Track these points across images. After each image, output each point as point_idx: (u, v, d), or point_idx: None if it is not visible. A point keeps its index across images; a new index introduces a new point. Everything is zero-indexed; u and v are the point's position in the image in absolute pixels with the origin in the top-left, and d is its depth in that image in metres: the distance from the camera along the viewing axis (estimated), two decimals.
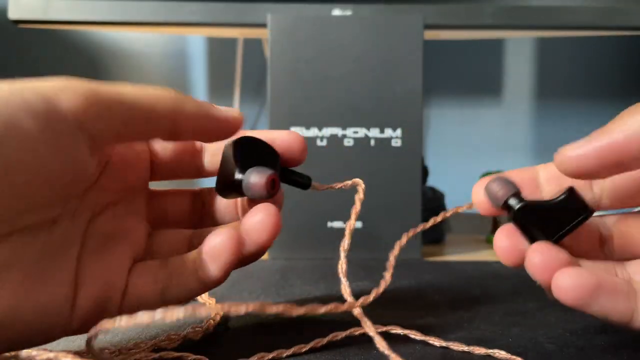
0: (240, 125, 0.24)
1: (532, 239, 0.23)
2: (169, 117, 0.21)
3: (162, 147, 0.25)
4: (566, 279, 0.21)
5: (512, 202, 0.23)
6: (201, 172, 0.27)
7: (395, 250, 0.26)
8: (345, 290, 0.25)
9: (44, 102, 0.19)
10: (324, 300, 0.32)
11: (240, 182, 0.23)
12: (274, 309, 0.21)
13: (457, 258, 0.50)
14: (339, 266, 0.26)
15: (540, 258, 0.22)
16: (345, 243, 0.26)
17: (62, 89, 0.20)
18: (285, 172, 0.25)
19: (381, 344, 0.21)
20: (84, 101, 0.19)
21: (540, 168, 0.25)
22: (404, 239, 0.27)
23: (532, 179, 0.25)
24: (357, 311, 0.24)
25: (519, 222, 0.23)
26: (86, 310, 0.21)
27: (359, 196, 0.26)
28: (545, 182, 0.25)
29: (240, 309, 0.20)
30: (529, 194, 0.24)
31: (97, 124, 0.20)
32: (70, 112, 0.19)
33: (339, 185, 0.28)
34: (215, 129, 0.23)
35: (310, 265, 0.44)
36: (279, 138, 0.25)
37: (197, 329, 0.26)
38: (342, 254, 0.26)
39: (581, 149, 0.21)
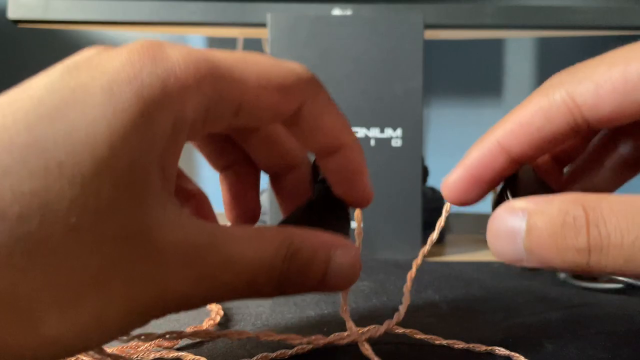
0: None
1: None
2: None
3: None
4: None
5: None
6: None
7: (408, 282, 0.25)
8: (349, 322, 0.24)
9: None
10: (324, 301, 0.32)
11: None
12: (276, 338, 0.21)
13: (457, 258, 0.50)
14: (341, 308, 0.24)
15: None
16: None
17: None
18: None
19: None
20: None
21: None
22: (420, 257, 0.25)
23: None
24: (365, 348, 0.22)
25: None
26: None
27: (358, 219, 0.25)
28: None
29: (242, 335, 0.20)
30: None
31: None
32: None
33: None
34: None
35: None
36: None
37: (196, 329, 0.26)
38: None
39: (451, 179, 0.21)
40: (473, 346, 0.24)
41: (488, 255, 0.52)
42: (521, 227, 0.16)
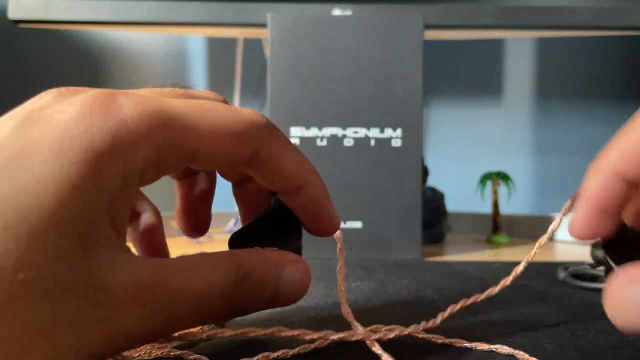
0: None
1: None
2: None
3: None
4: None
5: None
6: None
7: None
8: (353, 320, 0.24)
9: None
10: (324, 300, 0.32)
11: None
12: (289, 334, 0.21)
13: (457, 258, 0.50)
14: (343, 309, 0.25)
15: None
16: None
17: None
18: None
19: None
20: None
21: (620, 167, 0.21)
22: None
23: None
24: (375, 347, 0.23)
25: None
26: None
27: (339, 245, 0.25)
28: None
29: (257, 332, 0.20)
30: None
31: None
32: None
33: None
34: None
35: (310, 265, 0.44)
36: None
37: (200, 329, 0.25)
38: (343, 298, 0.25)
39: (578, 219, 0.21)
40: (476, 345, 0.24)
41: (487, 255, 0.52)
42: None
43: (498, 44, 0.82)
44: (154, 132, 0.17)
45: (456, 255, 0.52)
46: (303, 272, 0.20)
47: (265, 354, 0.23)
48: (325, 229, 0.23)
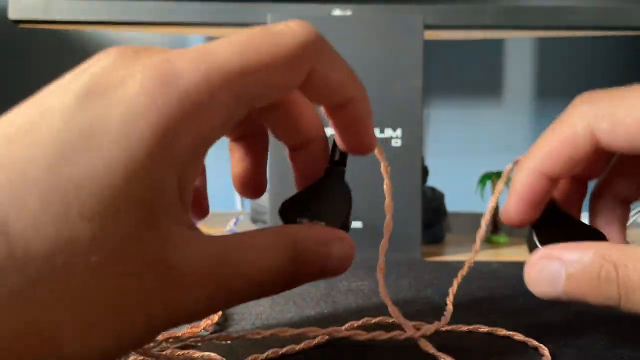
0: None
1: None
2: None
3: None
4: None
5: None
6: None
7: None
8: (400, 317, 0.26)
9: None
10: (324, 300, 0.32)
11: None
12: (344, 334, 0.23)
13: (457, 258, 0.50)
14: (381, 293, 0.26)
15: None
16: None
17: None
18: None
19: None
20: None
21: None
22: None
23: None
24: (422, 342, 0.24)
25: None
26: None
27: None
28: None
29: (291, 332, 0.21)
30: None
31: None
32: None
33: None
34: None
35: None
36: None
37: (193, 329, 0.25)
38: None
39: (508, 207, 0.25)
40: (512, 333, 0.25)
41: (487, 255, 0.52)
42: (560, 273, 0.20)
43: (498, 44, 0.82)
44: (216, 95, 0.17)
45: (456, 255, 0.52)
46: (349, 247, 0.21)
47: (275, 349, 0.23)
48: (366, 145, 0.23)
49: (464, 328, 0.27)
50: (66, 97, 0.16)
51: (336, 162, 0.24)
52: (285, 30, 0.18)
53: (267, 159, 0.26)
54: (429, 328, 0.25)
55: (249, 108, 0.18)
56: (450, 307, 0.27)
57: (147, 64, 0.16)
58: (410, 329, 0.24)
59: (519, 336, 0.25)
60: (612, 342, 0.25)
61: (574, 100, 0.24)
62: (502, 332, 0.26)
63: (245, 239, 0.19)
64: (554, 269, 0.20)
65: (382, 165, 0.26)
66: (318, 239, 0.20)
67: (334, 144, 0.24)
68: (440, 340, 0.25)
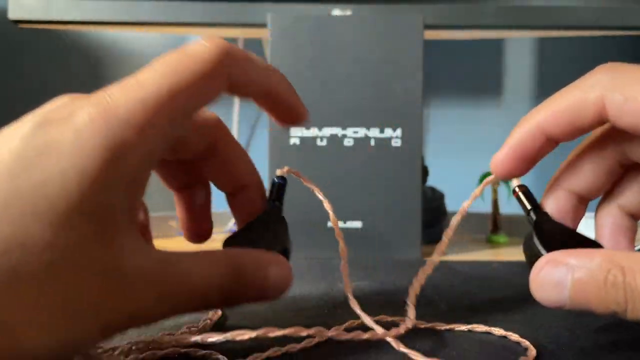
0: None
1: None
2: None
3: None
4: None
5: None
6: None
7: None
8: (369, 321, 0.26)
9: None
10: (324, 299, 0.32)
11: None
12: (330, 334, 0.23)
13: (457, 258, 0.50)
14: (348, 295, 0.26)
15: None
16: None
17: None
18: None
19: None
20: None
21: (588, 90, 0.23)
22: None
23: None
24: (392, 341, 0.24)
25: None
26: None
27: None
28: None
29: (275, 332, 0.21)
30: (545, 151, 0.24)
31: None
32: None
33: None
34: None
35: (309, 265, 0.44)
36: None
37: (192, 328, 0.25)
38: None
39: (498, 156, 0.25)
40: (509, 334, 0.25)
41: (486, 255, 0.52)
42: (566, 279, 0.20)
43: (498, 43, 0.82)
44: (152, 119, 0.19)
45: (456, 255, 0.52)
46: (286, 271, 0.22)
47: (276, 348, 0.23)
48: (301, 114, 0.25)
49: (464, 327, 0.27)
50: (24, 127, 0.18)
51: (273, 199, 0.27)
52: (199, 48, 0.21)
53: (210, 207, 0.28)
54: (399, 330, 0.24)
55: (184, 125, 0.21)
56: (412, 306, 0.26)
57: (92, 101, 0.18)
58: (379, 330, 0.24)
59: (514, 336, 0.25)
60: (612, 341, 0.25)
61: (596, 67, 0.23)
62: (499, 332, 0.25)
63: (191, 254, 0.20)
64: (560, 275, 0.20)
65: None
66: (257, 260, 0.22)
67: (272, 182, 0.27)
68: (435, 341, 0.25)
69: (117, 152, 0.18)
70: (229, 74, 0.21)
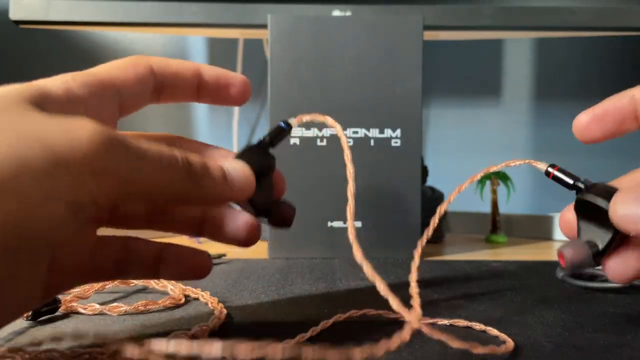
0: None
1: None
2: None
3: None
4: None
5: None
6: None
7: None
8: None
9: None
10: (324, 299, 0.33)
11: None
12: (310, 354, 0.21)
13: (456, 257, 0.50)
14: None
15: None
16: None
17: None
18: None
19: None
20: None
21: (637, 92, 0.25)
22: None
23: (632, 108, 0.25)
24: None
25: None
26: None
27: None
28: None
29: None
30: (629, 126, 0.25)
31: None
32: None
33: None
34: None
35: (310, 265, 0.44)
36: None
37: (204, 327, 0.26)
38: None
39: (585, 113, 0.26)
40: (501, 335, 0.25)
41: (486, 255, 0.53)
42: None
43: (497, 44, 0.83)
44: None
45: (455, 254, 0.52)
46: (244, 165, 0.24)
47: (287, 341, 0.23)
48: (240, 81, 0.27)
49: (462, 323, 0.27)
50: None
51: (268, 138, 0.27)
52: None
53: None
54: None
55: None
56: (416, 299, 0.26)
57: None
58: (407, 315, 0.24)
59: (505, 337, 0.25)
60: (611, 341, 0.25)
61: None
62: (494, 332, 0.26)
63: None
64: None
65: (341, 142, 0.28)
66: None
67: (277, 125, 0.27)
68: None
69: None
70: (147, 61, 0.24)
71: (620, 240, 0.23)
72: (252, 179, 0.24)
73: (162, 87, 0.25)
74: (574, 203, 0.25)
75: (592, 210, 0.23)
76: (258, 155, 0.25)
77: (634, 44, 0.81)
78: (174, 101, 0.27)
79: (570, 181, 0.25)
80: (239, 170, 0.24)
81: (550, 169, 0.25)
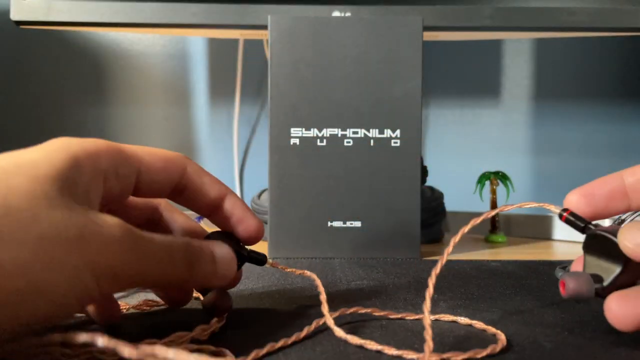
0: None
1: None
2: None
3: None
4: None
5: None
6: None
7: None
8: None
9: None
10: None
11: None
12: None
13: (456, 257, 0.51)
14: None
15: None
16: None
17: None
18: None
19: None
20: None
21: (626, 174, 0.27)
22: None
23: (620, 189, 0.27)
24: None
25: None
26: None
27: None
28: (633, 191, 0.27)
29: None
30: (617, 205, 0.27)
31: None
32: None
33: (298, 271, 0.32)
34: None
35: (310, 265, 0.44)
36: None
37: (205, 328, 0.26)
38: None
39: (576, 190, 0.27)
40: (497, 332, 0.25)
41: (486, 255, 0.53)
42: None
43: (496, 45, 0.83)
44: (104, 156, 0.23)
45: (455, 254, 0.52)
46: (229, 250, 0.26)
47: (271, 344, 0.23)
48: (254, 229, 0.28)
49: (463, 321, 0.27)
50: None
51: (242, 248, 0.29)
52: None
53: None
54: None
55: (135, 177, 0.25)
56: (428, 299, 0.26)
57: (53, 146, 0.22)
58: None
59: (500, 336, 0.25)
60: (611, 340, 0.25)
61: None
62: (492, 330, 0.26)
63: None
64: None
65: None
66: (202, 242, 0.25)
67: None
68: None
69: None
70: (185, 163, 0.27)
71: (627, 275, 0.24)
72: (234, 268, 0.26)
73: (183, 190, 0.27)
74: (583, 242, 0.26)
75: (601, 245, 0.25)
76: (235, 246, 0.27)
77: (634, 44, 0.81)
78: (187, 207, 0.28)
79: (581, 224, 0.26)
80: (226, 256, 0.26)
81: (562, 213, 0.27)
